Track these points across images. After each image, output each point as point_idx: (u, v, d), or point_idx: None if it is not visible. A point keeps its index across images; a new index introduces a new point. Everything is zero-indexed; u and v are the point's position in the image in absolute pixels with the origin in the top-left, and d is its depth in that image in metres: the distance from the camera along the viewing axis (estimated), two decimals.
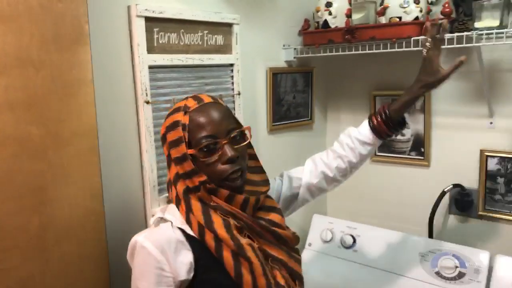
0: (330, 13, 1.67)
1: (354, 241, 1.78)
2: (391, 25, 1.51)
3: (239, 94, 1.58)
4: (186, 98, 0.97)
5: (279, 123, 1.82)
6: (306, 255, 1.86)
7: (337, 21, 1.67)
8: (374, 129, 1.12)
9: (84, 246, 1.08)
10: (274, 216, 0.99)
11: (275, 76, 1.77)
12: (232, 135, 0.93)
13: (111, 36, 1.21)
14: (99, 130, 1.10)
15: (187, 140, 0.91)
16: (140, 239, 0.89)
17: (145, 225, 1.34)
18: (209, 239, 0.88)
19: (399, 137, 1.88)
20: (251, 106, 1.69)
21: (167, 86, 1.35)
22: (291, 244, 0.99)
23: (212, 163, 0.91)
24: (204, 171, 0.90)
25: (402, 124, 1.15)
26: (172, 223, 0.91)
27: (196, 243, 0.89)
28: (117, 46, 1.22)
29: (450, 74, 1.07)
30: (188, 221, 0.90)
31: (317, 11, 1.72)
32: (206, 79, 1.48)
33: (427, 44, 1.06)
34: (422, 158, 1.82)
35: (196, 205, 0.90)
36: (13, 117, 0.95)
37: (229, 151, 0.91)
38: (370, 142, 1.14)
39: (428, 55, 1.07)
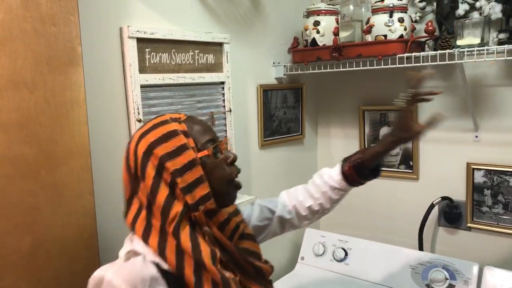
0: (318, 32, 1.72)
1: (346, 254, 1.80)
2: (377, 43, 1.56)
3: (230, 111, 1.61)
4: (158, 116, 0.91)
5: (270, 138, 1.85)
6: (299, 269, 1.88)
7: (325, 39, 1.72)
8: (345, 176, 1.09)
9: (76, 263, 1.09)
10: (251, 245, 0.96)
11: (266, 92, 1.81)
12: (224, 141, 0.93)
13: (103, 57, 1.24)
14: (92, 149, 1.12)
15: (193, 145, 0.85)
16: (108, 275, 0.77)
17: None
18: (189, 272, 0.79)
19: None
20: (243, 122, 1.72)
21: (159, 104, 1.38)
22: (268, 277, 0.95)
23: (220, 165, 0.87)
24: (211, 177, 0.85)
25: (376, 171, 1.12)
26: (144, 256, 0.81)
27: (172, 279, 0.80)
28: (109, 67, 1.25)
29: (424, 130, 1.04)
30: (162, 254, 0.80)
31: (306, 30, 1.76)
32: (198, 96, 1.51)
33: (404, 95, 1.03)
34: (411, 171, 1.85)
35: (185, 231, 0.81)
36: (7, 137, 0.96)
37: (231, 153, 0.91)
38: (341, 188, 1.11)
39: (403, 108, 1.04)
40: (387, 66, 1.55)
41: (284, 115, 1.91)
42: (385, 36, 1.55)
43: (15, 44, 0.98)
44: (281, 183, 1.95)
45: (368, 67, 1.60)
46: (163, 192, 0.82)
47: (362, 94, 1.97)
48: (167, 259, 0.80)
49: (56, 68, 1.05)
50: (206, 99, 1.54)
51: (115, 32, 1.26)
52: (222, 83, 1.59)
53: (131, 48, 1.27)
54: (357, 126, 2.00)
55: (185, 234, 0.81)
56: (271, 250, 1.92)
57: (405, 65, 1.51)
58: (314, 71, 1.77)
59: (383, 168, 1.89)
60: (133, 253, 0.83)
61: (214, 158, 0.86)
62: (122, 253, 0.86)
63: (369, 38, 1.59)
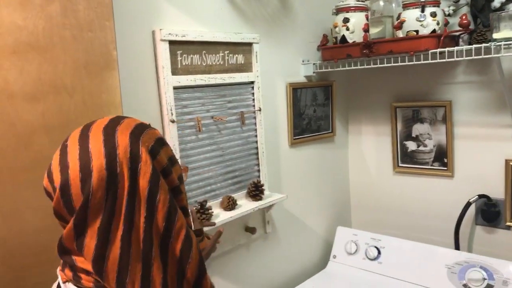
0: (347, 29, 1.70)
1: (379, 253, 1.78)
2: (408, 38, 1.53)
3: (260, 110, 1.62)
4: (120, 117, 0.67)
5: (300, 136, 1.85)
6: (331, 267, 1.87)
7: (354, 36, 1.70)
8: None
9: None
10: None
11: (295, 91, 1.81)
12: None
13: (137, 60, 1.28)
14: None
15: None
16: None
17: None
18: None
19: (421, 148, 1.88)
20: (272, 121, 1.73)
21: (191, 105, 1.41)
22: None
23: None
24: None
25: None
26: None
27: None
28: (143, 70, 1.29)
29: (214, 242, 1.00)
30: None
31: (335, 27, 1.75)
32: (228, 97, 1.53)
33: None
34: (445, 168, 1.81)
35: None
36: (50, 139, 1.02)
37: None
38: None
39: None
40: (419, 62, 1.52)
41: (314, 113, 1.91)
42: (417, 31, 1.52)
43: (56, 51, 1.03)
44: (312, 181, 1.95)
45: (399, 63, 1.57)
46: (180, 214, 0.62)
47: (394, 91, 1.94)
48: None
49: (93, 72, 1.10)
50: (236, 99, 1.56)
51: (148, 36, 1.30)
52: (252, 82, 1.60)
53: (164, 51, 1.30)
54: (389, 123, 1.97)
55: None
56: (303, 248, 1.93)
57: (438, 60, 1.48)
58: (344, 68, 1.76)
59: (416, 166, 1.89)
60: None
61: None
62: None
63: (400, 34, 1.56)
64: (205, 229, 1.08)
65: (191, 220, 0.77)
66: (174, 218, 0.59)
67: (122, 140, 0.59)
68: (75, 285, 0.61)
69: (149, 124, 0.70)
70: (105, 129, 0.60)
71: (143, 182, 0.57)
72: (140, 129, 0.63)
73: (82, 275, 0.60)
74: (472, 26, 1.54)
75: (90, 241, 0.56)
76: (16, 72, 0.97)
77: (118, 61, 1.14)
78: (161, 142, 0.65)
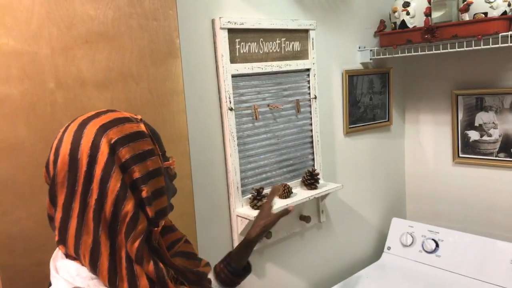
0: (408, 13, 1.64)
1: (437, 245, 1.72)
2: (476, 21, 1.45)
3: (315, 98, 1.60)
4: (109, 110, 0.73)
5: (355, 125, 1.82)
6: (385, 259, 1.84)
7: (415, 20, 1.64)
8: (223, 281, 1.04)
9: None
10: (183, 262, 0.83)
11: (351, 78, 1.77)
12: None
13: (197, 48, 1.30)
14: (190, 136, 1.19)
15: (158, 153, 0.74)
16: None
17: (229, 224, 1.41)
18: None
19: (485, 137, 1.78)
20: (327, 109, 1.71)
21: (248, 93, 1.42)
22: (207, 276, 0.87)
23: (171, 180, 0.79)
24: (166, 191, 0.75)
25: (248, 269, 1.08)
26: None
27: None
28: (203, 58, 1.31)
29: (278, 218, 1.08)
30: (114, 285, 0.66)
31: (394, 12, 1.69)
32: (284, 84, 1.52)
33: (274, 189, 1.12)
34: None
35: (146, 252, 0.68)
36: None
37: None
38: None
39: (267, 199, 1.11)
40: (488, 46, 1.44)
41: (370, 101, 1.86)
42: (485, 13, 1.43)
43: (123, 40, 1.06)
44: (366, 171, 1.91)
45: (465, 48, 1.49)
46: (130, 202, 0.66)
47: (456, 78, 1.85)
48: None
49: (158, 60, 1.13)
50: (292, 87, 1.55)
51: (208, 24, 1.31)
52: (308, 70, 1.58)
53: (223, 39, 1.32)
54: (449, 112, 1.88)
55: (146, 256, 0.68)
56: (357, 238, 1.90)
57: (509, 44, 1.39)
58: (404, 55, 1.70)
59: (479, 156, 1.79)
60: None
61: (171, 171, 0.79)
62: None
63: (466, 17, 1.48)
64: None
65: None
66: (121, 205, 0.66)
67: (89, 132, 0.68)
68: (58, 248, 0.72)
69: (138, 118, 0.74)
70: (82, 122, 0.70)
71: (98, 170, 0.66)
72: (114, 123, 0.69)
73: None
74: None
75: (58, 214, 0.67)
76: (88, 61, 1.01)
77: (180, 49, 1.17)
78: (131, 138, 0.69)
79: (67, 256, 0.70)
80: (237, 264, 1.05)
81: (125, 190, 0.66)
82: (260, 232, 1.08)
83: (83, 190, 0.66)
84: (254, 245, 1.08)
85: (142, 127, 0.72)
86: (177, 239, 0.83)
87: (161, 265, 0.70)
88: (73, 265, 0.68)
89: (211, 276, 1.04)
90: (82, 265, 0.68)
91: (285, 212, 1.10)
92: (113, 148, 0.67)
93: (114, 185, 0.66)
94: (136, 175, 0.68)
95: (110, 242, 0.66)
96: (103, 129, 0.68)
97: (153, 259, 0.69)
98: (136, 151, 0.69)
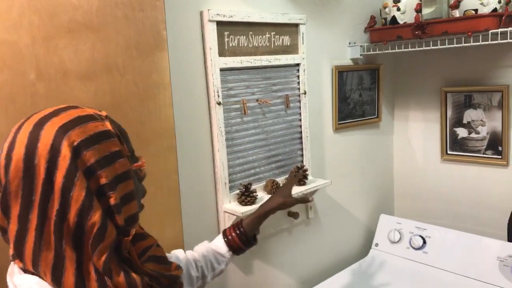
0: (398, 9, 1.63)
1: (424, 242, 1.72)
2: (466, 18, 1.44)
3: (305, 93, 1.59)
4: (71, 107, 0.66)
5: (345, 121, 1.81)
6: (372, 255, 1.84)
7: (406, 16, 1.63)
8: (229, 243, 1.07)
9: (162, 240, 1.14)
10: (155, 266, 0.78)
11: (341, 74, 1.76)
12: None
13: (185, 41, 1.27)
14: (176, 131, 1.16)
15: (127, 154, 0.68)
16: None
17: (216, 220, 1.39)
18: None
19: (473, 135, 1.79)
20: (317, 105, 1.69)
21: (237, 87, 1.40)
22: (180, 279, 0.85)
23: (140, 181, 0.73)
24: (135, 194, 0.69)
25: (254, 239, 1.13)
26: None
27: None
28: (191, 51, 1.28)
29: (297, 202, 1.18)
30: None
31: (385, 7, 1.68)
32: (273, 79, 1.50)
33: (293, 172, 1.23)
34: (500, 157, 1.72)
35: (114, 263, 0.63)
36: None
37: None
38: (225, 255, 1.07)
39: (290, 180, 1.21)
40: (478, 43, 1.43)
41: (359, 97, 1.85)
42: (476, 10, 1.43)
43: (108, 30, 1.03)
44: (355, 168, 1.91)
45: (455, 45, 1.49)
46: (96, 212, 0.61)
47: (445, 75, 1.85)
48: None
49: (144, 52, 1.10)
50: (281, 82, 1.53)
51: (196, 16, 1.28)
52: (297, 65, 1.57)
53: (211, 32, 1.29)
54: (438, 109, 1.88)
55: (115, 267, 0.63)
56: (345, 235, 1.90)
57: (500, 41, 1.39)
58: (394, 51, 1.69)
59: (467, 153, 1.80)
60: None
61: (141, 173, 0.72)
62: None
63: (456, 13, 1.48)
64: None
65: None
66: (87, 215, 0.59)
67: (47, 133, 0.60)
68: (14, 262, 0.65)
69: (102, 116, 0.68)
70: (38, 121, 0.62)
71: (59, 177, 0.58)
72: (75, 123, 0.62)
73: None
74: None
75: (12, 226, 0.60)
76: (71, 51, 0.98)
77: (168, 42, 1.14)
78: (95, 139, 0.63)
79: (25, 271, 0.62)
80: (246, 229, 1.08)
81: (91, 199, 0.60)
82: (276, 208, 1.13)
83: (41, 200, 0.58)
84: (267, 216, 1.13)
85: (108, 125, 0.66)
86: (149, 246, 0.77)
87: (133, 275, 0.65)
88: (34, 280, 0.61)
89: (219, 240, 1.08)
90: (43, 279, 0.60)
91: (305, 199, 1.18)
92: (76, 152, 0.59)
93: (78, 194, 0.59)
94: (103, 180, 0.62)
95: (76, 255, 0.60)
96: (63, 130, 0.60)
97: (124, 269, 0.64)
98: (102, 153, 0.62)
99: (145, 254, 0.75)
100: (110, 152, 0.64)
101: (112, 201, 0.62)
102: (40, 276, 0.61)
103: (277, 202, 1.13)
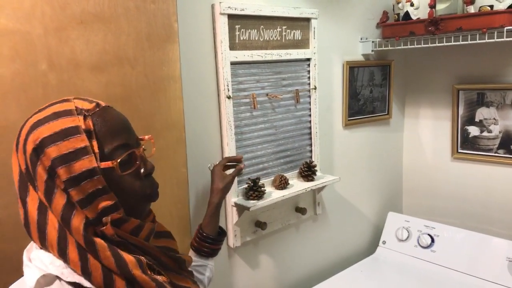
0: (412, 4, 1.61)
1: (433, 241, 1.71)
2: (481, 14, 1.42)
3: (315, 88, 1.58)
4: (65, 100, 0.70)
5: (355, 117, 1.79)
6: (380, 253, 1.83)
7: (419, 12, 1.60)
8: (198, 251, 1.11)
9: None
10: (168, 242, 0.85)
11: (352, 69, 1.74)
12: (142, 145, 0.77)
13: (196, 34, 1.26)
14: (186, 123, 1.16)
15: (96, 150, 0.67)
16: None
17: (224, 214, 1.39)
18: (121, 287, 0.66)
19: (485, 133, 1.76)
20: (327, 101, 1.68)
21: (247, 81, 1.39)
22: (188, 267, 0.86)
23: (129, 179, 0.71)
24: (118, 190, 0.69)
25: (221, 233, 1.16)
26: (60, 279, 0.65)
27: None
28: (202, 44, 1.28)
29: (234, 177, 1.20)
30: (86, 271, 0.65)
31: (398, 3, 1.66)
32: (283, 74, 1.49)
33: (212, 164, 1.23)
34: None
35: (101, 245, 0.66)
36: None
37: (149, 163, 0.75)
38: (204, 264, 1.11)
39: (218, 166, 1.21)
40: (493, 40, 1.41)
41: (370, 94, 1.84)
42: (491, 6, 1.40)
43: (119, 22, 1.03)
44: (364, 164, 1.89)
45: (469, 42, 1.46)
46: (59, 200, 0.65)
47: (458, 72, 1.82)
48: (92, 278, 0.65)
49: (155, 44, 1.09)
50: (291, 76, 1.52)
51: (207, 9, 1.28)
52: (308, 59, 1.55)
53: (222, 25, 1.28)
54: (450, 107, 1.86)
55: (103, 250, 0.66)
56: (352, 231, 1.89)
57: None
58: (406, 47, 1.67)
59: (479, 152, 1.77)
60: (46, 277, 0.66)
61: (122, 170, 0.69)
62: (31, 278, 0.66)
63: (471, 9, 1.45)
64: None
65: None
66: (50, 203, 0.66)
67: (24, 130, 0.68)
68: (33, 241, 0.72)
69: (87, 109, 0.68)
70: (30, 116, 0.69)
71: (26, 169, 0.67)
72: (48, 119, 0.66)
73: None
74: None
75: (21, 209, 0.68)
76: (83, 43, 0.98)
77: (178, 34, 1.14)
78: (60, 136, 0.65)
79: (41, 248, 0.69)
80: (210, 231, 1.12)
81: (52, 189, 0.65)
82: (222, 195, 1.17)
83: (23, 187, 0.68)
84: (219, 208, 1.16)
85: (80, 121, 0.66)
86: (153, 221, 0.82)
87: (124, 255, 0.67)
88: (46, 254, 0.67)
89: (191, 253, 1.11)
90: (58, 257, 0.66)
91: (239, 170, 1.21)
92: (39, 148, 0.65)
93: (40, 184, 0.66)
94: (63, 177, 0.64)
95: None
96: (34, 126, 0.66)
97: (112, 249, 0.66)
98: (63, 150, 0.64)
99: (152, 233, 0.78)
100: (74, 149, 0.65)
101: (74, 197, 0.65)
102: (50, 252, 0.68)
103: (219, 191, 1.16)
